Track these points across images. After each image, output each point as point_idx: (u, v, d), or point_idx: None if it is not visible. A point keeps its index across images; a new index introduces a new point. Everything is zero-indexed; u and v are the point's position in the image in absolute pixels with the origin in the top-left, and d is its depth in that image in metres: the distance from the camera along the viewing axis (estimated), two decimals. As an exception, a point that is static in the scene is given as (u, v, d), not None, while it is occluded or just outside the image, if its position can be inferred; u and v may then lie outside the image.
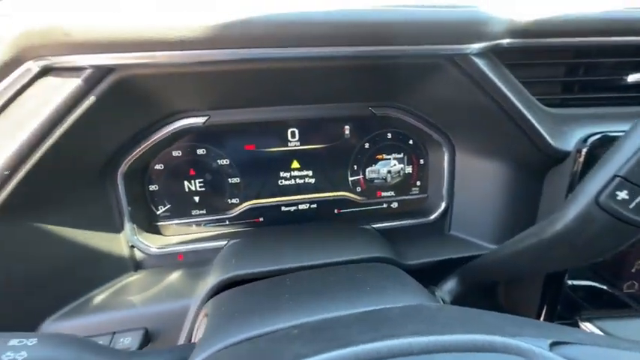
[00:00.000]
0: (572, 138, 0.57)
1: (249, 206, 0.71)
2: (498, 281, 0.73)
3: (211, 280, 0.55)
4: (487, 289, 0.75)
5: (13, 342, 0.32)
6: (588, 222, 0.39)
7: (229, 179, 0.69)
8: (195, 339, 0.51)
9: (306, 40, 0.47)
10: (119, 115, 0.53)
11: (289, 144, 0.69)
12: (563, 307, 0.64)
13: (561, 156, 0.58)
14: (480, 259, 0.59)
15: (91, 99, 0.46)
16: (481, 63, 0.52)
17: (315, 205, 0.74)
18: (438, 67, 0.53)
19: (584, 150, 0.55)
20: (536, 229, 0.47)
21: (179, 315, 0.55)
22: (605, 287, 0.66)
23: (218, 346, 0.38)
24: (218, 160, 0.67)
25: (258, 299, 0.46)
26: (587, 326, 0.61)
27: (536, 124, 0.56)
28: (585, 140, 0.55)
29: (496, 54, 0.54)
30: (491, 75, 0.53)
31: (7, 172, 0.44)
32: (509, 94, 0.54)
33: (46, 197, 0.52)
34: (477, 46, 0.51)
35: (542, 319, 0.65)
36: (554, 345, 0.27)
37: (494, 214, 0.69)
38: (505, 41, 0.54)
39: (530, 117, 0.56)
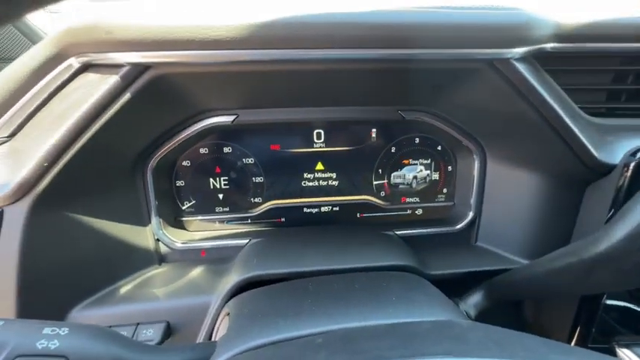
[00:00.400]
0: (618, 150, 0.54)
1: (272, 206, 0.71)
2: (527, 298, 0.69)
3: (232, 279, 0.55)
4: (513, 305, 0.72)
5: (47, 330, 0.33)
6: (638, 244, 0.36)
7: (253, 178, 0.69)
8: (215, 337, 0.51)
9: (339, 42, 0.46)
10: (152, 112, 0.54)
11: (314, 145, 0.68)
12: (596, 330, 0.60)
13: (605, 169, 0.54)
14: (509, 273, 0.57)
15: (127, 95, 0.47)
16: (522, 68, 0.50)
17: (337, 208, 0.73)
18: (476, 71, 0.51)
19: (633, 164, 0.51)
20: (575, 248, 0.44)
21: (200, 311, 0.56)
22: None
23: (240, 347, 0.38)
24: (243, 159, 0.68)
25: (280, 302, 0.46)
26: (626, 353, 0.57)
27: (579, 134, 0.53)
28: (634, 154, 0.51)
29: (538, 59, 0.52)
30: (532, 81, 0.50)
31: (46, 164, 0.46)
32: (550, 102, 0.51)
33: (80, 189, 0.53)
34: (519, 51, 0.48)
35: (573, 342, 0.61)
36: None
37: (526, 227, 0.66)
38: (549, 45, 0.51)
39: (572, 126, 0.53)
